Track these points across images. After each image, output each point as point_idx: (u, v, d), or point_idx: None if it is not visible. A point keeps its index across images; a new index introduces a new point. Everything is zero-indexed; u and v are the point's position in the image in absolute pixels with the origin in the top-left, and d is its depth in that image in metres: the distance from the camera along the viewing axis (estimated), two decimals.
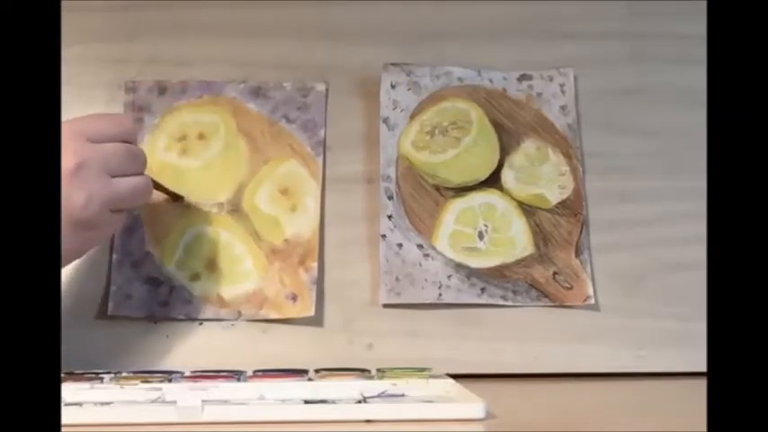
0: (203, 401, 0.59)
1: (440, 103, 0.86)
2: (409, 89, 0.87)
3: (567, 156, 0.86)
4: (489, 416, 0.60)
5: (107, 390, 0.65)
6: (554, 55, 0.88)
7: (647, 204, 0.85)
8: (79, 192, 0.69)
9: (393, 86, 0.86)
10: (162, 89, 0.86)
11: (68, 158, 0.69)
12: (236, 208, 0.83)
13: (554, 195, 0.85)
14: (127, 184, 0.73)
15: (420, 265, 0.83)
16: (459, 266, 0.83)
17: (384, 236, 0.83)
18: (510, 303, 0.82)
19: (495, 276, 0.83)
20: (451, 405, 0.61)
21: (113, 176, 0.72)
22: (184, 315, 0.81)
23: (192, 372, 0.73)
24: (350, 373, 0.71)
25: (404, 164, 0.85)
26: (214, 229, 0.82)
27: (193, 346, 0.81)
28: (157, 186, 0.79)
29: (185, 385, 0.66)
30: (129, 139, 0.75)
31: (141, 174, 0.75)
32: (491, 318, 0.82)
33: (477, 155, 0.85)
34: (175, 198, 0.82)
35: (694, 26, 0.84)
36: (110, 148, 0.72)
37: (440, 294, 0.82)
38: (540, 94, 0.87)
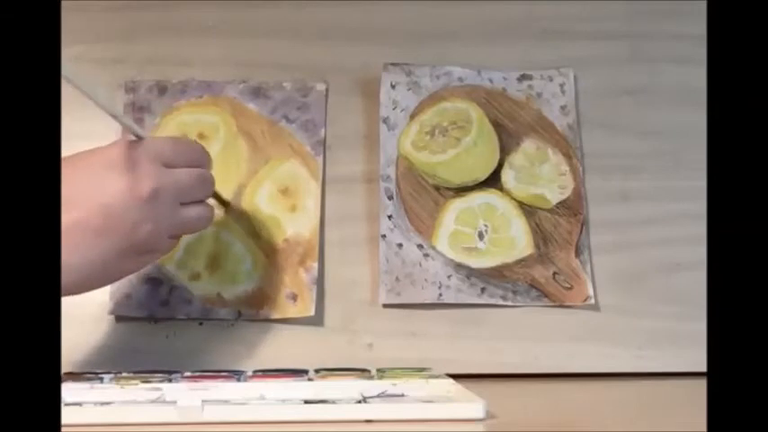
0: (203, 401, 0.59)
1: (440, 103, 0.86)
2: (409, 89, 0.87)
3: (567, 156, 0.86)
4: (489, 416, 0.60)
5: (107, 390, 0.65)
6: (554, 55, 0.88)
7: (647, 204, 0.85)
8: (148, 220, 0.67)
9: (393, 86, 0.86)
10: (162, 89, 0.86)
11: (144, 184, 0.67)
12: (236, 208, 0.83)
13: (554, 195, 0.85)
14: (193, 213, 0.72)
15: (420, 265, 0.83)
16: (459, 266, 0.83)
17: (384, 236, 0.83)
18: (510, 303, 0.82)
19: (495, 276, 0.83)
20: (451, 405, 0.61)
21: (182, 204, 0.70)
22: (184, 315, 0.81)
23: (191, 372, 0.73)
24: (350, 373, 0.71)
25: (404, 164, 0.85)
26: (214, 229, 0.82)
27: (193, 346, 0.81)
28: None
29: (185, 385, 0.66)
30: (202, 165, 0.73)
31: (207, 200, 0.74)
32: (491, 318, 0.82)
33: (477, 155, 0.85)
34: (225, 204, 0.82)
35: (694, 26, 0.84)
36: (184, 176, 0.70)
37: (440, 294, 0.82)
38: (540, 94, 0.87)
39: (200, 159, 0.73)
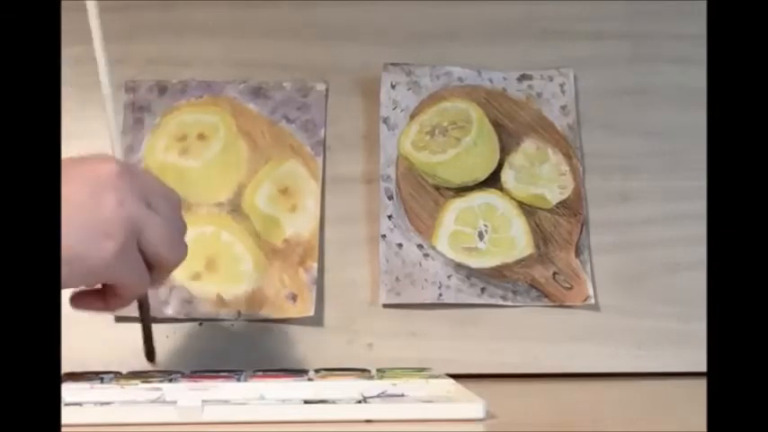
0: (203, 401, 0.59)
1: (440, 103, 0.86)
2: (409, 89, 0.87)
3: (567, 156, 0.86)
4: (489, 416, 0.60)
5: (107, 390, 0.65)
6: (554, 55, 0.88)
7: (647, 204, 0.85)
8: (110, 193, 0.61)
9: (393, 86, 0.86)
10: (162, 89, 0.86)
11: (109, 164, 0.62)
12: (235, 208, 0.83)
13: (554, 195, 0.85)
14: (158, 221, 0.63)
15: (420, 265, 0.83)
16: (459, 266, 0.83)
17: (384, 236, 0.83)
18: (510, 303, 0.82)
19: (495, 276, 0.83)
20: (451, 405, 0.61)
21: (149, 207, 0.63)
22: (184, 315, 0.81)
23: (191, 372, 0.73)
24: (350, 373, 0.71)
25: (404, 164, 0.85)
26: (214, 229, 0.82)
27: (193, 346, 0.81)
28: None
29: (185, 385, 0.66)
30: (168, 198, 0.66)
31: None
32: (491, 318, 0.82)
33: (477, 155, 0.85)
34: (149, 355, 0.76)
35: (694, 26, 0.84)
36: (151, 177, 0.67)
37: (440, 294, 0.82)
38: (540, 94, 0.87)
39: (169, 196, 0.66)
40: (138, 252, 0.63)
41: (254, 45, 0.87)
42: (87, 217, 0.61)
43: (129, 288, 0.65)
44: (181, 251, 0.66)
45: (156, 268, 0.65)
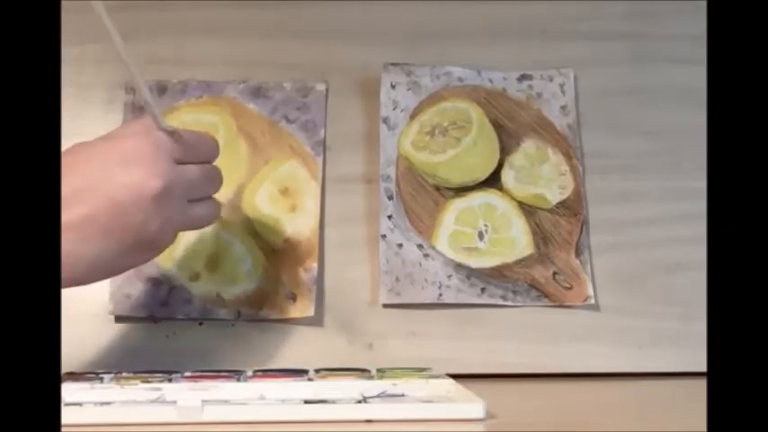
0: (203, 401, 0.59)
1: (440, 103, 0.86)
2: (409, 89, 0.87)
3: (567, 156, 0.86)
4: (489, 416, 0.60)
5: (107, 390, 0.65)
6: (554, 55, 0.88)
7: (647, 204, 0.85)
8: (157, 218, 0.66)
9: (393, 86, 0.86)
10: (162, 89, 0.86)
11: (155, 181, 0.66)
12: (235, 208, 0.83)
13: (554, 195, 0.85)
14: (201, 210, 0.71)
15: (420, 265, 0.83)
16: (459, 266, 0.83)
17: (384, 236, 0.83)
18: (510, 303, 0.82)
19: (496, 276, 0.83)
20: (451, 405, 0.61)
21: (190, 200, 0.70)
22: (184, 315, 0.81)
23: (192, 372, 0.73)
24: (350, 373, 0.71)
25: (404, 164, 0.85)
26: (214, 229, 0.82)
27: (193, 346, 0.81)
28: None
29: (185, 385, 0.66)
30: (212, 159, 0.73)
31: (214, 196, 0.73)
32: (491, 318, 0.82)
33: (477, 155, 0.85)
34: None
35: (694, 26, 0.84)
36: (194, 172, 0.70)
37: (440, 294, 0.82)
38: (540, 94, 0.87)
39: (211, 154, 0.73)
40: (187, 204, 0.70)
41: (254, 45, 0.87)
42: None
43: (199, 225, 0.74)
44: (217, 183, 0.73)
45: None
